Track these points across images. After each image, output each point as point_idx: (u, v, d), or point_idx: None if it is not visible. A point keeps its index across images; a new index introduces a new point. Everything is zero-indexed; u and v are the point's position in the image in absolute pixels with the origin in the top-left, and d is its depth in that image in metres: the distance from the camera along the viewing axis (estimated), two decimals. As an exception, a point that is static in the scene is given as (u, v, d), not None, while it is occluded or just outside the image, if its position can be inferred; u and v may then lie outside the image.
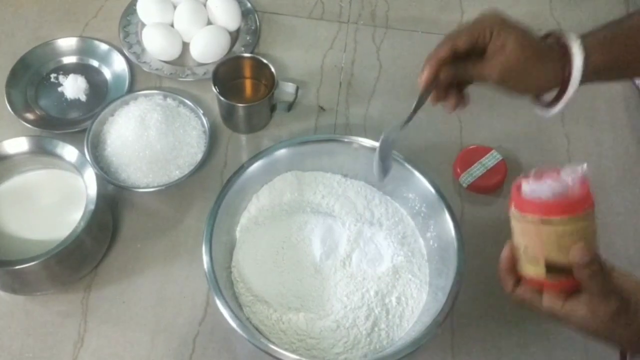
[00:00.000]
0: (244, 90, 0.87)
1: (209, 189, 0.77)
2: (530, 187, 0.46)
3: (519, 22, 0.57)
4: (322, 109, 0.86)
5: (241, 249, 0.69)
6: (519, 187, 0.47)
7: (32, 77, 0.87)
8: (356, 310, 0.65)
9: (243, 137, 0.84)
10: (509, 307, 0.72)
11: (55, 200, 0.71)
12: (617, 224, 0.78)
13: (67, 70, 0.88)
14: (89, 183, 0.67)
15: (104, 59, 0.89)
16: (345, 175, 0.76)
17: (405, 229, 0.72)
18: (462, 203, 0.79)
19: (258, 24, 0.93)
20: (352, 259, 0.69)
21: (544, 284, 0.48)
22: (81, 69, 0.88)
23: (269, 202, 0.72)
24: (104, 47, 0.89)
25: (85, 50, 0.89)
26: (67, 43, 0.89)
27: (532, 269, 0.49)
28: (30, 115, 0.83)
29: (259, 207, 0.72)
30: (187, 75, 0.87)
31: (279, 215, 0.72)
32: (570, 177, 0.45)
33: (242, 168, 0.70)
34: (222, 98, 0.78)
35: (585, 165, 0.45)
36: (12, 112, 0.81)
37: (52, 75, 0.87)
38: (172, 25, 0.90)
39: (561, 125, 0.86)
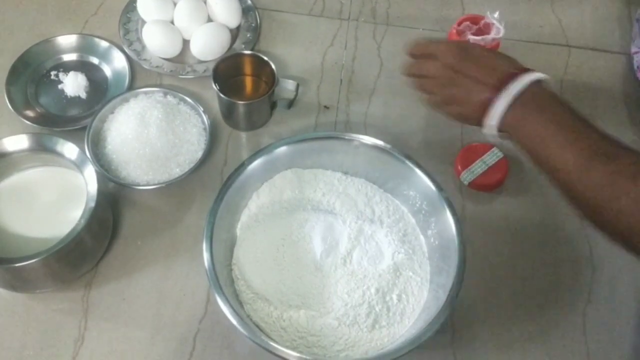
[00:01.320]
0: (244, 87, 0.87)
1: (209, 187, 0.77)
2: (473, 39, 0.79)
3: None
4: (325, 107, 0.86)
5: (242, 247, 0.69)
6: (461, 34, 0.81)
7: (32, 74, 0.86)
8: (357, 307, 0.65)
9: (243, 135, 0.84)
10: (509, 304, 0.72)
11: (55, 198, 0.71)
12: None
13: (67, 67, 0.88)
14: (89, 180, 0.67)
15: (104, 56, 0.89)
16: (345, 173, 0.76)
17: (406, 227, 0.72)
18: (463, 201, 0.79)
19: (258, 21, 0.93)
20: (353, 256, 0.69)
21: None
22: (81, 66, 0.88)
23: (269, 200, 0.72)
24: (104, 44, 0.89)
25: (85, 47, 0.89)
26: (67, 40, 0.89)
27: None
28: (30, 113, 0.82)
29: (259, 204, 0.72)
30: (188, 72, 0.87)
31: (279, 212, 0.72)
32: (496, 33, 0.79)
33: (243, 165, 0.70)
34: (222, 95, 0.78)
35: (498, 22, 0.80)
36: (12, 110, 0.81)
37: (52, 73, 0.87)
38: (172, 23, 0.90)
39: (562, 122, 0.86)
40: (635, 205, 0.49)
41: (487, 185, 0.79)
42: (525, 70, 0.60)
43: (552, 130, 0.56)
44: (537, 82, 0.59)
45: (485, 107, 0.60)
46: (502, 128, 0.60)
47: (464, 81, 0.62)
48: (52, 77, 0.87)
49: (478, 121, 0.62)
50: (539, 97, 0.58)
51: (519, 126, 0.59)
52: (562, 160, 0.55)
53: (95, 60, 0.89)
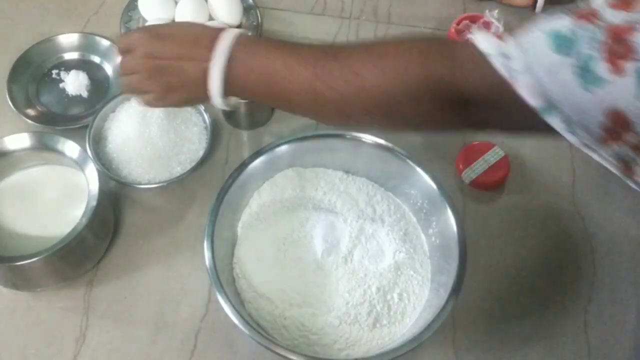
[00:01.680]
0: (246, 86, 0.87)
1: (211, 186, 0.77)
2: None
3: None
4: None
5: (243, 245, 0.69)
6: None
7: (34, 73, 0.87)
8: (358, 306, 0.65)
9: (244, 134, 0.84)
10: (511, 303, 0.72)
11: (56, 197, 0.71)
12: (618, 220, 0.78)
13: (68, 66, 0.88)
14: (90, 179, 0.67)
15: (106, 55, 0.89)
16: (346, 172, 0.76)
17: (407, 226, 0.72)
18: (465, 200, 0.79)
19: (259, 19, 0.93)
20: (354, 255, 0.69)
21: None
22: (83, 65, 0.88)
23: (270, 199, 0.72)
24: (105, 43, 0.89)
25: (86, 46, 0.89)
26: (68, 39, 0.89)
27: None
28: (31, 112, 0.83)
29: (260, 203, 0.72)
30: (189, 71, 0.87)
31: (280, 211, 0.72)
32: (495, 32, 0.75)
33: (244, 164, 0.70)
34: (223, 94, 0.78)
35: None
36: (13, 108, 0.81)
37: (54, 72, 0.87)
38: (173, 22, 0.90)
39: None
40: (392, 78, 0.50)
41: (488, 184, 0.79)
42: (224, 29, 0.57)
43: (278, 63, 0.54)
44: (240, 35, 0.57)
45: (205, 79, 0.56)
46: (231, 91, 0.57)
47: (171, 65, 0.58)
48: (54, 75, 0.87)
49: (207, 97, 0.58)
50: (249, 45, 0.56)
51: (246, 79, 0.56)
52: (300, 81, 0.53)
53: (96, 59, 0.89)
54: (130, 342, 0.68)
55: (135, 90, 0.62)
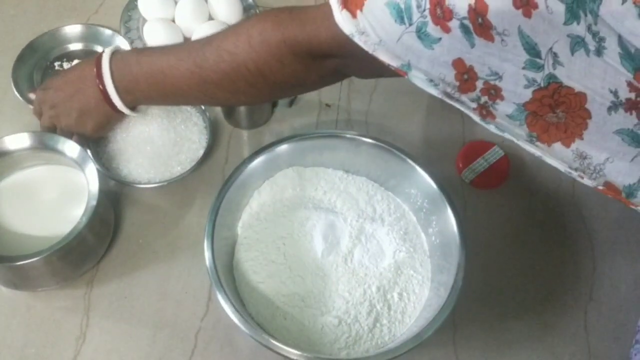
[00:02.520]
0: (246, 85, 0.87)
1: (211, 185, 0.77)
2: None
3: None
4: (327, 105, 0.86)
5: (243, 245, 0.69)
6: None
7: (38, 63, 0.87)
8: (358, 306, 0.65)
9: (244, 133, 0.84)
10: (511, 302, 0.72)
11: (56, 196, 0.71)
12: (618, 219, 0.78)
13: (71, 57, 0.89)
14: (90, 179, 0.67)
15: (109, 45, 0.88)
16: (346, 171, 0.76)
17: (407, 225, 0.72)
18: (465, 199, 0.79)
19: (259, 19, 0.93)
20: (354, 255, 0.69)
21: None
22: (86, 56, 0.89)
23: (270, 198, 0.72)
24: (108, 32, 0.90)
25: (90, 37, 0.90)
26: (72, 30, 0.90)
27: None
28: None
29: (260, 203, 0.72)
30: (189, 70, 0.87)
31: (280, 211, 0.72)
32: None
33: (244, 164, 0.70)
34: (223, 93, 0.78)
35: None
36: (19, 97, 0.82)
37: (56, 64, 0.88)
38: (173, 21, 0.90)
39: (564, 120, 0.86)
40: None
41: (488, 183, 0.79)
42: (102, 51, 0.67)
43: (161, 65, 0.62)
44: (115, 52, 0.66)
45: (108, 99, 0.66)
46: (132, 102, 0.68)
47: (71, 100, 0.68)
48: (57, 67, 0.88)
49: (117, 114, 0.69)
50: (125, 58, 0.65)
51: (136, 87, 0.65)
52: (185, 74, 0.60)
53: (100, 49, 0.89)
54: (131, 342, 0.68)
55: (66, 136, 0.70)
